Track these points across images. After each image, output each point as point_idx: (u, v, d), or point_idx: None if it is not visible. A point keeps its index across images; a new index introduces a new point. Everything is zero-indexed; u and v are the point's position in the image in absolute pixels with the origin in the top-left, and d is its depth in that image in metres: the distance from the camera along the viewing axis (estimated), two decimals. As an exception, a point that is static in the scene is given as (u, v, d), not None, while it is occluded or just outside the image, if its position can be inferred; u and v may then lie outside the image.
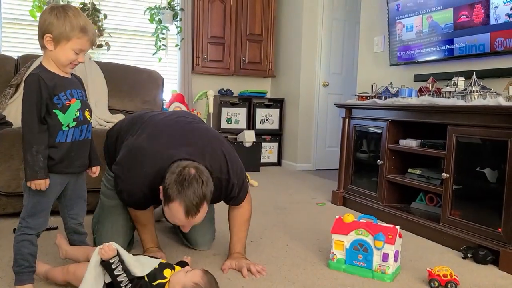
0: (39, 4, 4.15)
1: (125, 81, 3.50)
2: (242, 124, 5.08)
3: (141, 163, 1.73)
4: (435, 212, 2.62)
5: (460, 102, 2.36)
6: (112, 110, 3.35)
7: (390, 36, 3.43)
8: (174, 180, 1.55)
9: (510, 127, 2.06)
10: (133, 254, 1.58)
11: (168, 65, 5.00)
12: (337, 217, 2.02)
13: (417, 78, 3.24)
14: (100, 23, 4.43)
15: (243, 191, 1.92)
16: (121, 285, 1.42)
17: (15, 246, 1.54)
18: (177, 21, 4.79)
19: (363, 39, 3.97)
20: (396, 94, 2.98)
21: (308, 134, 5.01)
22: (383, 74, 3.61)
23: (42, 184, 1.47)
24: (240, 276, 1.84)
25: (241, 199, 1.94)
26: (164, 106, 4.11)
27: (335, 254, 1.97)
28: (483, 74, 2.65)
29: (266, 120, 5.20)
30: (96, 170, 1.73)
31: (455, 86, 2.57)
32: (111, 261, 1.44)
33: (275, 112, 5.23)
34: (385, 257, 1.86)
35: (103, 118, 3.16)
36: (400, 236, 1.93)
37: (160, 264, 1.53)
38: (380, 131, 2.94)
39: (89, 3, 4.37)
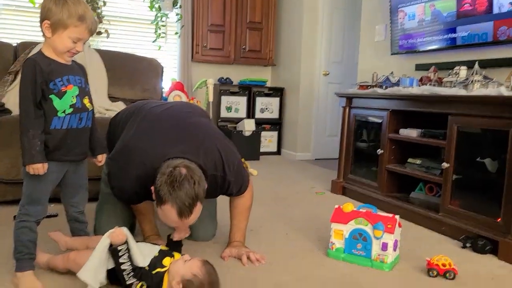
0: (38, -9, 4.10)
1: (125, 69, 3.48)
2: (242, 113, 5.06)
3: (133, 162, 1.70)
4: (435, 202, 2.63)
5: (461, 92, 2.34)
6: (112, 98, 3.34)
7: (392, 25, 3.40)
8: (164, 182, 1.51)
9: (511, 117, 2.05)
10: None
11: (168, 53, 4.97)
12: (336, 206, 2.02)
13: (419, 67, 3.23)
14: (99, 10, 4.39)
15: (243, 187, 1.91)
16: (124, 273, 1.42)
17: (15, 233, 1.54)
18: (177, 8, 4.75)
19: (364, 28, 3.94)
20: (397, 84, 2.96)
21: (308, 123, 4.99)
22: (384, 63, 3.58)
23: (39, 168, 1.46)
24: (240, 264, 1.85)
25: (241, 191, 1.93)
26: (164, 95, 4.09)
27: (334, 243, 1.97)
28: (486, 64, 2.63)
29: (266, 109, 5.18)
30: (101, 159, 1.72)
31: (457, 76, 2.55)
32: (119, 248, 1.43)
33: (275, 101, 5.21)
34: (384, 247, 1.86)
35: (103, 106, 3.15)
36: (400, 226, 1.94)
37: (160, 251, 1.54)
38: (380, 121, 2.93)
39: (88, -11, 4.32)
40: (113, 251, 1.44)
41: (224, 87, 4.99)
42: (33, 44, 3.16)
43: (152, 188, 1.56)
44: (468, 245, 2.16)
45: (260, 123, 5.06)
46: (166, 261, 1.50)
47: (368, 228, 1.89)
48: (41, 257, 1.64)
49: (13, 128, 2.41)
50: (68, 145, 1.56)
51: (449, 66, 2.83)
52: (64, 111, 1.51)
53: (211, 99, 4.68)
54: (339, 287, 1.69)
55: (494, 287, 1.78)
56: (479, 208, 2.22)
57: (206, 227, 2.13)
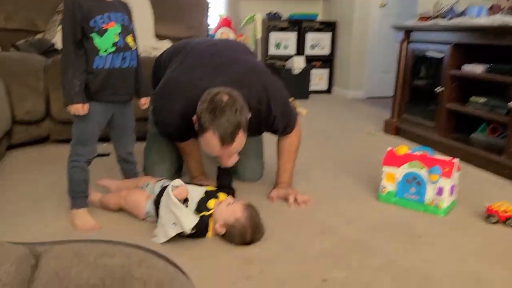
0: None
1: (171, 5, 3.40)
2: (291, 49, 4.87)
3: (175, 95, 1.69)
4: (498, 144, 2.44)
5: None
6: (158, 36, 3.29)
7: None
8: (205, 109, 1.48)
9: None
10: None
11: (215, -12, 4.79)
12: (389, 148, 1.92)
13: (489, -6, 2.89)
14: None
15: (289, 125, 1.85)
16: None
17: (68, 172, 1.59)
18: None
19: (427, -49, 3.54)
20: (462, 14, 2.68)
21: (361, 60, 4.74)
22: (448, -9, 3.24)
23: (79, 108, 1.46)
24: (285, 207, 1.82)
25: (287, 132, 1.87)
26: (210, 32, 3.99)
27: (385, 187, 1.89)
28: None
29: (317, 45, 4.95)
30: (145, 101, 1.70)
31: (534, 3, 2.25)
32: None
33: (326, 36, 4.94)
34: (439, 191, 1.76)
35: (149, 45, 3.12)
36: (459, 169, 1.82)
37: (206, 192, 1.53)
38: (441, 56, 2.71)
39: None
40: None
41: (272, 22, 4.79)
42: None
43: (194, 117, 1.55)
44: (533, 190, 2.01)
45: (310, 60, 4.86)
46: (211, 203, 1.50)
47: (423, 172, 1.79)
48: (94, 195, 1.70)
49: (63, 68, 2.46)
50: (112, 85, 1.54)
51: (525, -8, 2.51)
52: (106, 50, 1.48)
53: (259, 35, 4.51)
54: (389, 231, 1.63)
55: (560, 237, 1.65)
56: (549, 151, 2.03)
57: (253, 167, 2.12)
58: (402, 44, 3.05)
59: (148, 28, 3.23)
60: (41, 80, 2.46)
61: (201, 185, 1.65)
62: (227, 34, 4.11)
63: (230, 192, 1.68)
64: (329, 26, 4.94)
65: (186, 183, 1.56)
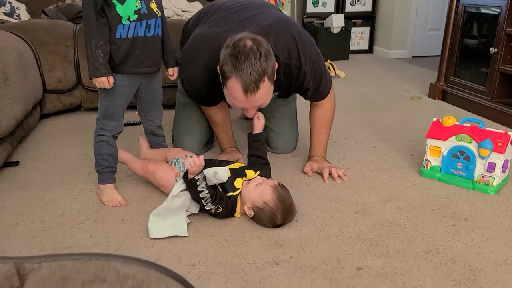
0: None
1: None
2: (330, 6, 4.60)
3: (200, 49, 1.60)
4: (559, 111, 2.21)
5: None
6: (189, -2, 3.16)
7: None
8: (228, 54, 1.38)
9: None
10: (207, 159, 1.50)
11: None
12: (435, 119, 1.76)
13: None
14: None
15: (323, 85, 1.71)
16: (203, 201, 1.34)
17: (94, 147, 1.55)
18: None
19: None
20: (524, -37, 2.37)
21: (406, 16, 4.41)
22: None
23: (104, 81, 1.40)
24: (320, 182, 1.72)
25: (320, 94, 1.74)
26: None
27: (429, 161, 1.75)
28: None
29: (358, 1, 4.64)
30: (173, 72, 1.61)
31: None
32: (196, 177, 1.32)
33: (368, -9, 4.63)
34: (490, 167, 1.60)
35: (179, 7, 3.00)
36: (513, 143, 1.64)
37: (232, 171, 1.43)
38: (497, 12, 2.44)
39: None
40: (191, 181, 1.33)
41: (310, -23, 4.51)
42: None
43: (218, 67, 1.45)
44: None
45: (350, 18, 4.58)
46: (238, 182, 1.41)
47: (472, 146, 1.63)
48: (121, 154, 1.65)
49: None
50: (137, 56, 1.46)
51: None
52: (128, 18, 1.39)
53: (295, -8, 4.28)
54: (431, 213, 1.50)
55: None
56: None
57: (286, 138, 2.02)
58: (453, -1, 2.77)
59: (179, -11, 3.10)
60: (71, 48, 2.42)
61: (227, 161, 1.56)
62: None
63: (263, 163, 1.59)
64: (372, -20, 4.60)
65: (209, 160, 1.48)
